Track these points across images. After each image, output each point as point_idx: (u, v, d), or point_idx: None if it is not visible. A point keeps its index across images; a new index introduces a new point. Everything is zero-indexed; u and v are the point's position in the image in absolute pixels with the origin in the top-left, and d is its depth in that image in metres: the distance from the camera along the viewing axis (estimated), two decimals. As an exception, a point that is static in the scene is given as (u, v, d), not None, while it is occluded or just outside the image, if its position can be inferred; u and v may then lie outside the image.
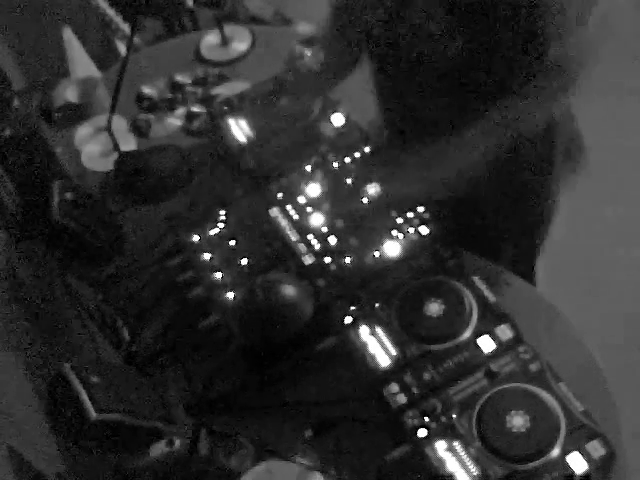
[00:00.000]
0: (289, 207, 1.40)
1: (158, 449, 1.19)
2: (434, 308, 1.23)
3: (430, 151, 1.27)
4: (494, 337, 1.18)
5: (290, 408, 1.25)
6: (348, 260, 1.31)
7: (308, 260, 1.32)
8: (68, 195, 1.37)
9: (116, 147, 1.61)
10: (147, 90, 1.82)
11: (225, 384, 1.25)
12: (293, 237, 1.36)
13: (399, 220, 1.34)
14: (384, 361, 1.19)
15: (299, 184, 1.43)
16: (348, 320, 1.24)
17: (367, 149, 1.47)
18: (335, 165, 1.45)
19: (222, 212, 1.42)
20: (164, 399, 1.14)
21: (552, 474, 1.04)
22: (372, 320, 1.23)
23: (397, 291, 1.26)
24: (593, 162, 1.52)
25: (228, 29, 1.90)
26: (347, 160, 1.46)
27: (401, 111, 1.43)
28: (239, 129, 1.58)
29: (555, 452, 1.06)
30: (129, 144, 1.70)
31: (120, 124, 1.74)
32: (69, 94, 1.82)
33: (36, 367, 1.19)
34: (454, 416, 1.11)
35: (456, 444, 1.09)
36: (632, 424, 1.23)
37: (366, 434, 1.19)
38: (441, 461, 1.08)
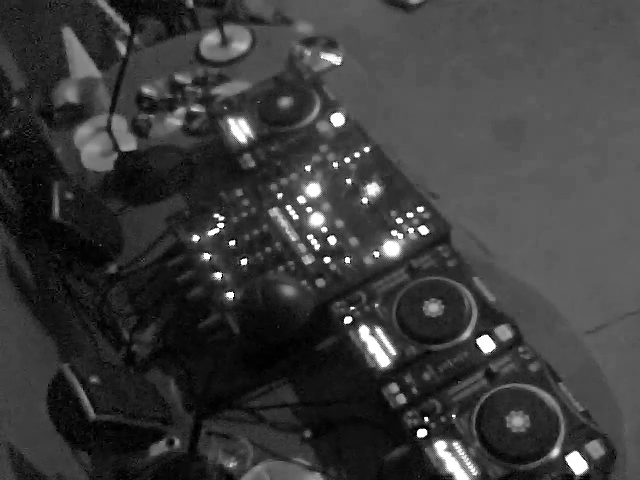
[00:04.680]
0: (289, 207, 1.40)
1: (158, 449, 1.19)
2: (434, 308, 1.22)
3: None
4: (494, 337, 1.18)
5: (290, 408, 1.25)
6: (348, 260, 1.31)
7: (308, 260, 1.32)
8: (68, 195, 1.37)
9: (116, 147, 1.61)
10: (147, 90, 1.82)
11: (225, 384, 1.25)
12: (293, 237, 1.36)
13: (399, 220, 1.35)
14: (384, 361, 1.19)
15: (299, 184, 1.43)
16: (348, 320, 1.24)
17: (367, 149, 1.47)
18: (335, 165, 1.45)
19: (222, 212, 1.42)
20: (164, 399, 1.14)
21: (552, 474, 1.04)
22: (372, 320, 1.23)
23: (397, 291, 1.26)
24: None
25: (228, 29, 1.90)
26: (347, 160, 1.46)
27: None
28: (239, 129, 1.58)
29: (555, 452, 1.06)
30: (129, 144, 1.70)
31: (120, 124, 1.74)
32: (69, 94, 1.82)
33: (36, 367, 1.19)
34: (454, 416, 1.11)
35: (456, 444, 1.09)
36: (632, 424, 1.23)
37: (366, 434, 1.19)
38: (441, 461, 1.08)
